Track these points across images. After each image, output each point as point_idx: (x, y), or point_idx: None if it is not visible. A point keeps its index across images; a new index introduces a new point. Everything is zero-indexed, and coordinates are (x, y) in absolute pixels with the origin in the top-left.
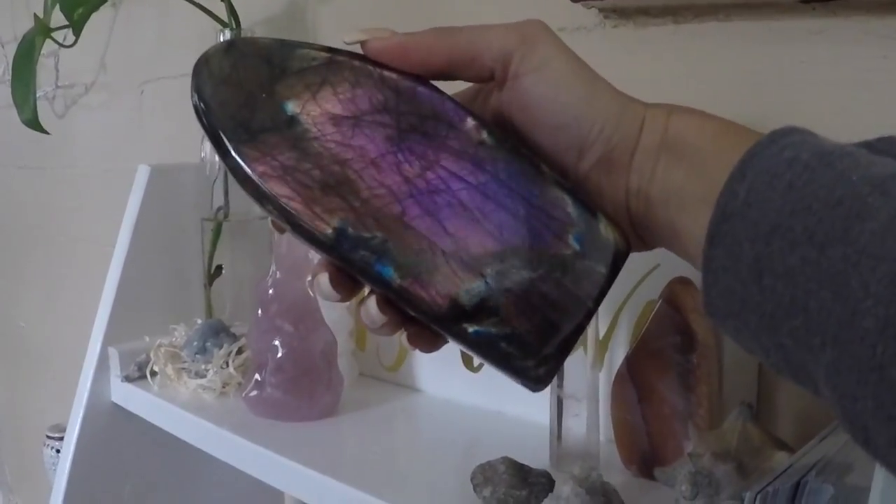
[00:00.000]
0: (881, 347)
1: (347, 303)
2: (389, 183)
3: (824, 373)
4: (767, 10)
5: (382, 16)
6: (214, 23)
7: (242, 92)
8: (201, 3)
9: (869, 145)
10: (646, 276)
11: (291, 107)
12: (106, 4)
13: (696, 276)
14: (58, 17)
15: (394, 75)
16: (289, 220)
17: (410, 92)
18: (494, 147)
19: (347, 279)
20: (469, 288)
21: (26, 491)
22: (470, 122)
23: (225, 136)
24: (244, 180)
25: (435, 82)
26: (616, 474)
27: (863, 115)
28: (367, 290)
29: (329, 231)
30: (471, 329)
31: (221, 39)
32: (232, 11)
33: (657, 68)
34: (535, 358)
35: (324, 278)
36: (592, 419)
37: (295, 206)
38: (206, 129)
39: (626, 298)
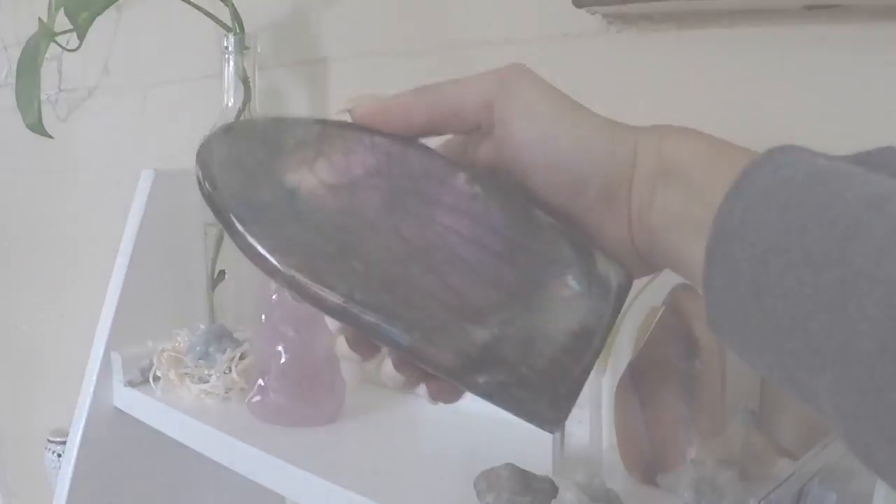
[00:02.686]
0: (879, 370)
1: None
2: (389, 245)
3: (825, 393)
4: (771, 16)
5: (386, 21)
6: (218, 27)
7: (244, 172)
8: (205, 7)
9: (868, 155)
10: (649, 282)
11: (290, 181)
12: (108, 8)
13: None
14: (61, 21)
15: (384, 139)
16: (299, 291)
17: (400, 153)
18: (487, 198)
19: (365, 341)
20: (475, 339)
21: (27, 495)
22: (461, 177)
23: (233, 215)
24: (254, 256)
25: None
26: (619, 480)
27: (866, 121)
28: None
29: (338, 298)
30: (481, 379)
31: (225, 45)
32: (235, 16)
33: (660, 74)
34: (547, 400)
35: (342, 342)
36: (595, 425)
37: (303, 277)
38: (214, 210)
39: (629, 305)
